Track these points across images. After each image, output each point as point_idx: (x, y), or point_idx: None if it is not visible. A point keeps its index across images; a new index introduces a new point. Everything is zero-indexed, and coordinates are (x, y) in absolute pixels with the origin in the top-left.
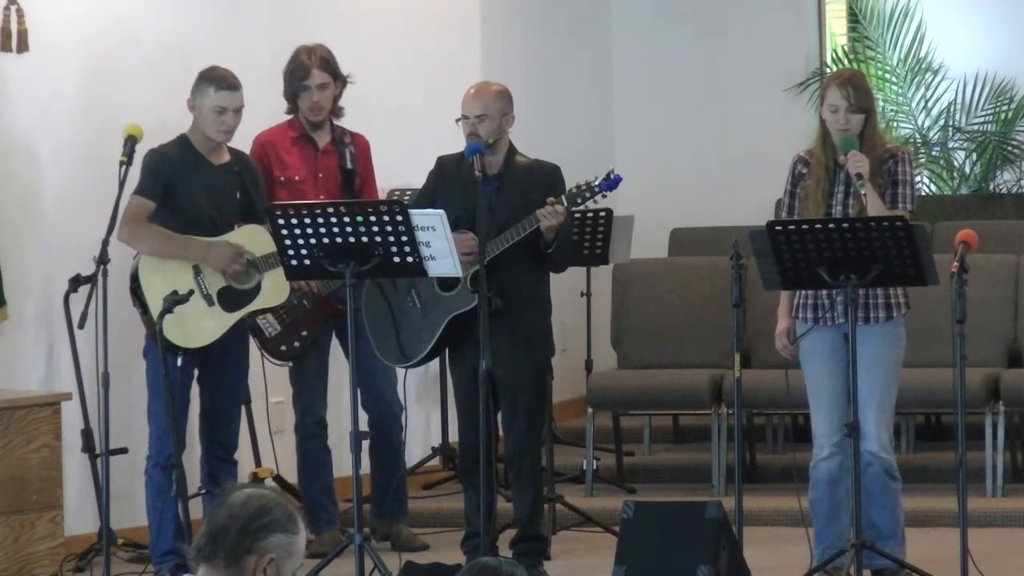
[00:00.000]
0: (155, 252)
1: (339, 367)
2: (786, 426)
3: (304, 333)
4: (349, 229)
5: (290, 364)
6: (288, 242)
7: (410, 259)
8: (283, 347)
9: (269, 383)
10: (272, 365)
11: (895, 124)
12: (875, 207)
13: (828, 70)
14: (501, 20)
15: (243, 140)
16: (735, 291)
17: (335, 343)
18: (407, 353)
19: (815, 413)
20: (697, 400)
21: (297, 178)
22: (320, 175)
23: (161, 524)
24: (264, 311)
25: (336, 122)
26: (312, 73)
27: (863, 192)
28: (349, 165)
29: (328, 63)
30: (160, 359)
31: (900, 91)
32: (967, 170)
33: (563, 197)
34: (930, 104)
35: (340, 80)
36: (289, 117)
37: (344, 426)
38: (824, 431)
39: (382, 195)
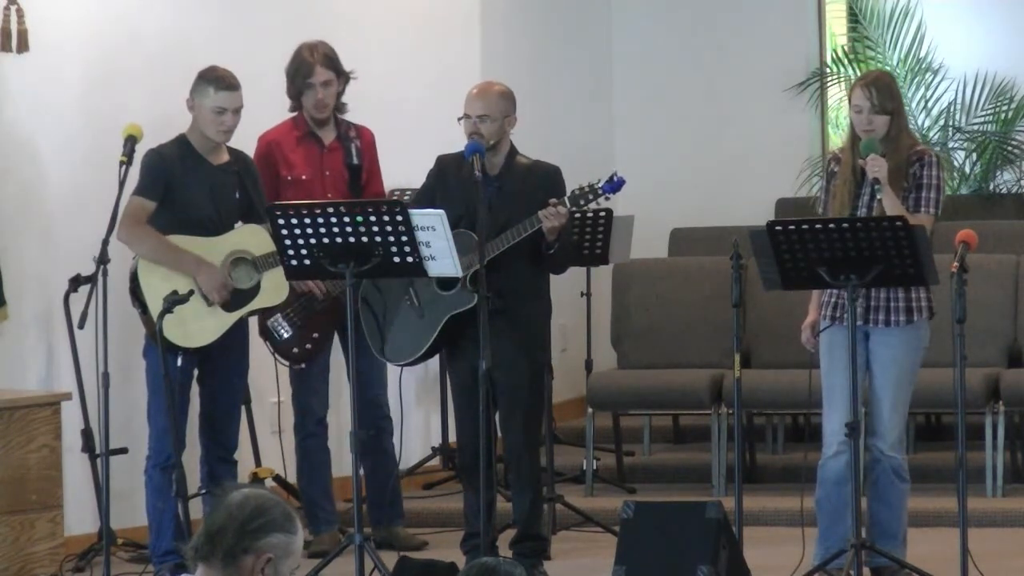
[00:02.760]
0: (150, 257)
1: (336, 366)
2: (786, 426)
3: (316, 335)
4: (349, 229)
5: (302, 366)
6: (288, 242)
7: (410, 259)
8: (295, 349)
9: (269, 383)
10: (273, 365)
11: None
12: (893, 211)
13: (828, 70)
14: (501, 20)
15: (243, 140)
16: (735, 291)
17: (336, 342)
18: (404, 352)
19: (828, 409)
20: (697, 400)
21: (304, 177)
22: (327, 173)
23: (161, 524)
24: (264, 310)
25: (341, 116)
26: (316, 71)
27: (879, 196)
28: (355, 161)
29: (331, 60)
30: (160, 359)
31: (900, 91)
32: (967, 170)
33: (566, 198)
34: (930, 104)
35: (343, 76)
36: (293, 115)
37: (343, 426)
38: (834, 428)
39: None
